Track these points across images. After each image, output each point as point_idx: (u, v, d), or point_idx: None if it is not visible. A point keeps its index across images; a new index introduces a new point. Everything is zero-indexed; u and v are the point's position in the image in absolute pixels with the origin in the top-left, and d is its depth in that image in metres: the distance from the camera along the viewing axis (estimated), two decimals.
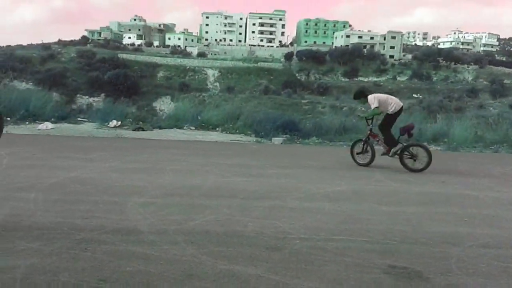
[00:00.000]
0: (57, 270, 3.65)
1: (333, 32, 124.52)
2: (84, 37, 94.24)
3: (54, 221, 5.01)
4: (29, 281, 3.43)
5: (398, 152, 9.79)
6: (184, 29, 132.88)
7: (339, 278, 3.85)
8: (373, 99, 9.72)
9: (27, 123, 16.62)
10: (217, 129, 17.39)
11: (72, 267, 3.75)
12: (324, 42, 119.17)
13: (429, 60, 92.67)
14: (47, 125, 15.81)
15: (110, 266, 3.81)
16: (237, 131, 16.87)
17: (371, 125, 10.08)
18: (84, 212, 5.43)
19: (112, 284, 3.46)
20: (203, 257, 4.11)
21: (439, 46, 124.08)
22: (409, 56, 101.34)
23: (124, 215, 5.42)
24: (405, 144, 9.93)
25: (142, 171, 8.41)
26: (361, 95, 10.12)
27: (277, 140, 15.20)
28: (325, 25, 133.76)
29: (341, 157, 11.28)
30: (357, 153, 10.22)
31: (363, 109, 10.24)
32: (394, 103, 9.77)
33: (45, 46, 46.04)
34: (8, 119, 16.97)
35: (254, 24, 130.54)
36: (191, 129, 17.37)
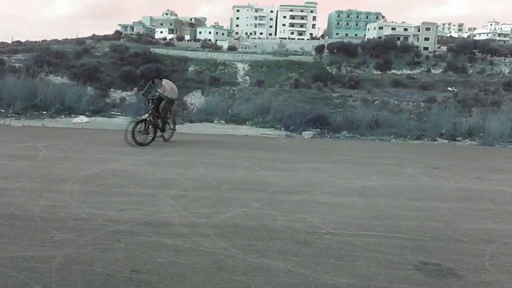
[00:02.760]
0: (91, 261, 3.77)
1: (366, 24, 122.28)
2: (117, 31, 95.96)
3: (89, 212, 5.16)
4: (65, 271, 3.55)
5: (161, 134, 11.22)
6: (215, 23, 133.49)
7: (370, 274, 3.81)
8: (167, 84, 11.08)
9: (62, 116, 17.09)
10: (247, 123, 17.43)
11: (106, 257, 3.85)
12: (356, 34, 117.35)
13: (465, 52, 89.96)
14: (82, 119, 16.22)
15: (142, 257, 3.89)
16: (267, 125, 16.87)
17: (152, 106, 10.80)
18: (118, 204, 5.57)
19: (144, 275, 3.54)
20: (233, 250, 4.15)
21: (475, 38, 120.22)
22: (444, 48, 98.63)
23: (156, 207, 5.53)
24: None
25: (173, 164, 8.54)
26: (160, 81, 11.14)
27: (307, 134, 15.11)
28: (357, 16, 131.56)
29: (372, 152, 11.13)
30: (138, 132, 10.50)
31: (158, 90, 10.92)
32: (176, 91, 11.43)
33: (80, 41, 47.16)
34: (44, 112, 17.51)
35: (284, 17, 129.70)
36: (221, 123, 17.47)
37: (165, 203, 5.73)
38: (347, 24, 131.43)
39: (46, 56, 31.60)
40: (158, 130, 10.97)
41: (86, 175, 7.16)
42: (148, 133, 10.54)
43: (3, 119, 15.76)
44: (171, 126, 11.77)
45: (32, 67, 28.03)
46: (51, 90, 18.93)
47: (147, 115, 10.70)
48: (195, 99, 24.56)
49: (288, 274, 3.70)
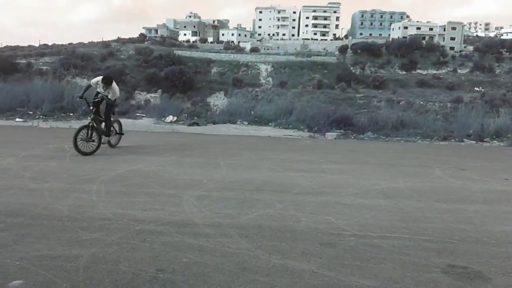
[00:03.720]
0: (117, 260, 3.82)
1: (390, 24, 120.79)
2: (141, 34, 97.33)
3: (115, 212, 5.23)
4: (91, 270, 3.61)
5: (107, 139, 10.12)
6: (238, 25, 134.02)
7: (395, 276, 3.76)
8: (116, 86, 10.06)
9: (89, 118, 17.39)
10: (270, 124, 17.43)
11: (132, 257, 3.90)
12: (380, 34, 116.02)
13: (492, 51, 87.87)
14: None
15: (167, 257, 3.93)
16: (290, 126, 16.83)
17: (93, 109, 9.62)
18: (143, 204, 5.63)
19: (169, 274, 3.57)
20: (256, 251, 4.15)
21: (502, 37, 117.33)
22: (470, 48, 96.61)
23: (180, 207, 5.57)
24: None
25: (197, 165, 8.59)
26: (111, 81, 9.89)
27: (331, 135, 15.01)
28: (381, 16, 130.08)
29: (398, 153, 10.98)
30: (81, 140, 9.22)
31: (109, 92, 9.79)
32: (119, 91, 10.29)
33: (105, 44, 48.07)
34: (71, 114, 17.88)
35: (307, 18, 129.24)
36: (244, 124, 17.52)
37: (189, 204, 5.76)
38: (371, 24, 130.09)
39: (73, 59, 32.27)
40: (103, 136, 9.77)
41: (112, 175, 7.27)
42: (92, 141, 9.35)
43: (31, 120, 16.15)
44: (117, 130, 10.56)
45: (59, 70, 28.64)
46: (78, 92, 19.30)
47: (90, 120, 9.51)
48: (218, 101, 24.71)
49: (312, 275, 3.67)
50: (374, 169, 8.89)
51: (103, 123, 9.87)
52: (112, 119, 10.19)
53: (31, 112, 17.55)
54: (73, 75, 27.82)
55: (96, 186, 6.47)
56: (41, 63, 32.34)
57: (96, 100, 9.66)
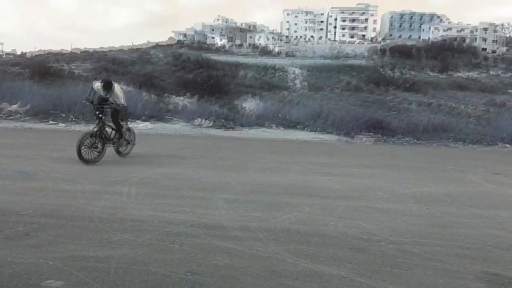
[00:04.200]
0: (148, 261, 3.86)
1: (421, 25, 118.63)
2: (171, 38, 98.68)
3: (145, 213, 5.30)
4: (122, 270, 3.66)
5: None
6: (266, 27, 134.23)
7: (427, 283, 3.67)
8: (120, 90, 9.36)
9: (95, 125, 17.72)
10: (298, 127, 17.37)
11: (162, 258, 3.94)
12: (410, 36, 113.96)
13: None
14: (138, 124, 16.79)
15: (196, 259, 3.95)
16: (318, 129, 16.73)
17: (103, 116, 8.97)
18: (173, 206, 5.69)
19: (198, 276, 3.59)
20: (285, 255, 4.13)
21: None
22: (504, 49, 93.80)
23: (209, 210, 5.60)
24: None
25: (226, 168, 8.63)
26: (111, 84, 9.10)
27: (361, 138, 14.84)
28: (412, 17, 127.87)
29: (429, 156, 10.76)
30: (85, 147, 8.59)
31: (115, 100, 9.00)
32: (124, 96, 9.51)
33: (136, 48, 49.00)
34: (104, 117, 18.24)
35: (336, 19, 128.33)
36: (272, 127, 17.51)
37: (217, 206, 5.79)
38: (401, 25, 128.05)
39: (105, 63, 32.98)
40: (110, 143, 9.17)
41: (142, 177, 7.38)
42: (95, 148, 8.74)
43: (65, 123, 16.59)
44: (129, 139, 9.75)
45: (92, 74, 29.33)
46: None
47: (96, 127, 8.91)
48: (246, 104, 24.77)
49: (341, 280, 3.62)
50: (405, 173, 8.73)
51: (111, 130, 9.25)
52: (124, 127, 9.54)
53: (63, 115, 18.03)
54: None
55: (126, 188, 6.57)
56: (73, 67, 33.20)
57: (100, 105, 8.95)
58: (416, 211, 5.90)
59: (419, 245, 4.55)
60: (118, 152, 9.49)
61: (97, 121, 8.91)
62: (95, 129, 8.80)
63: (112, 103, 8.96)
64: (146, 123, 17.16)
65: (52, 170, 7.68)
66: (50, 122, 16.82)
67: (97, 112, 8.92)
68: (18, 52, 58.93)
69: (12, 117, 17.06)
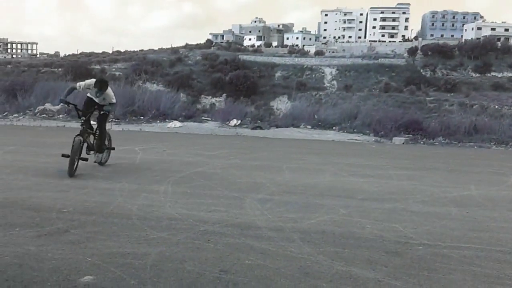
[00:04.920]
0: (183, 259, 3.91)
1: (463, 25, 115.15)
2: (208, 40, 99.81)
3: (181, 212, 5.38)
4: (158, 268, 3.72)
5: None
6: (303, 28, 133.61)
7: None
8: (111, 91, 8.05)
9: (158, 121, 18.10)
10: (334, 128, 17.20)
11: (196, 257, 3.98)
12: (452, 36, 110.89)
13: None
14: (175, 124, 17.07)
15: (230, 258, 3.97)
16: (355, 130, 16.51)
17: (84, 120, 7.69)
18: (207, 205, 5.74)
19: (232, 275, 3.60)
20: (319, 257, 4.09)
21: None
22: None
23: (243, 210, 5.62)
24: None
25: (260, 168, 8.64)
26: (107, 84, 7.94)
27: (399, 139, 14.54)
28: (453, 17, 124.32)
29: (470, 159, 10.41)
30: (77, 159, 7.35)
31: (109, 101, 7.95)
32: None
33: (174, 50, 49.83)
34: (142, 117, 18.66)
35: (375, 19, 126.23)
36: (307, 128, 17.41)
37: (252, 207, 5.80)
38: (443, 25, 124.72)
39: (143, 65, 33.74)
40: (92, 151, 7.95)
41: (178, 177, 7.49)
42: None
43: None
44: (108, 144, 8.54)
45: (131, 75, 30.07)
46: (148, 97, 20.18)
47: (79, 134, 7.52)
48: (281, 104, 24.76)
49: (377, 284, 3.55)
50: (445, 176, 8.49)
51: (94, 137, 8.02)
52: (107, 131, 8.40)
53: None
54: (144, 81, 29.09)
55: (163, 187, 6.69)
56: (114, 69, 34.14)
57: (87, 108, 7.88)
58: (455, 215, 5.72)
59: (458, 250, 4.40)
60: (100, 162, 8.22)
61: (81, 128, 7.57)
62: (78, 136, 7.40)
63: (106, 104, 7.94)
64: (175, 121, 17.41)
65: (92, 169, 7.91)
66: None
67: (83, 118, 7.67)
68: (61, 55, 61.14)
69: (55, 117, 17.68)
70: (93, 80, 7.90)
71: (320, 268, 3.82)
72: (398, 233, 4.89)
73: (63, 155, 7.30)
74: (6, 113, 18.65)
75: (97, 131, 8.07)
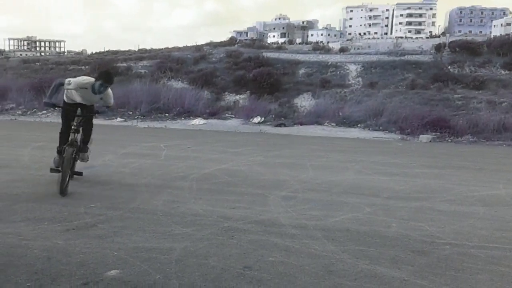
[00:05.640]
0: (207, 254, 3.94)
1: (491, 21, 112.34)
2: (232, 38, 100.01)
3: (205, 208, 5.42)
4: (183, 263, 3.75)
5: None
6: (327, 25, 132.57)
7: None
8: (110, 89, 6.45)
9: (182, 118, 18.28)
10: (359, 125, 17.03)
11: (220, 252, 4.00)
12: (480, 32, 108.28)
13: None
14: (199, 121, 17.21)
15: (254, 255, 3.98)
16: (380, 127, 16.32)
17: (79, 121, 6.17)
18: (231, 202, 5.77)
19: (255, 272, 3.61)
20: (343, 255, 4.06)
21: None
22: None
23: (267, 207, 5.62)
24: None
25: (284, 165, 8.63)
26: (112, 79, 6.29)
27: (425, 137, 14.30)
28: (481, 13, 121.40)
29: (499, 158, 10.17)
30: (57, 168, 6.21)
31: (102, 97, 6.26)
32: None
33: (198, 48, 50.11)
34: (166, 114, 18.86)
35: (401, 15, 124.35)
36: (331, 125, 17.30)
37: (275, 204, 5.80)
38: (470, 20, 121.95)
39: (168, 62, 34.00)
40: (81, 153, 6.47)
41: (202, 173, 7.54)
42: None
43: (130, 120, 17.31)
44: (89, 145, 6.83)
45: (156, 73, 30.39)
46: (172, 94, 20.39)
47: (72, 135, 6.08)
48: (305, 102, 24.61)
49: (402, 283, 3.51)
50: (473, 175, 8.31)
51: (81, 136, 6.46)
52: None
53: (130, 113, 18.82)
54: (169, 78, 29.36)
55: (188, 183, 6.75)
56: (139, 67, 34.54)
57: (71, 111, 6.23)
58: (483, 215, 5.60)
59: (485, 250, 4.31)
60: (83, 159, 6.61)
61: (72, 136, 6.05)
62: (72, 148, 5.96)
63: (97, 105, 6.58)
64: (198, 118, 17.55)
65: (118, 165, 8.04)
66: (118, 119, 17.62)
67: (76, 122, 6.10)
68: (88, 52, 62.31)
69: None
70: (90, 78, 6.25)
71: (344, 267, 3.79)
72: (424, 232, 4.81)
73: (52, 170, 6.06)
74: (34, 109, 19.15)
75: (83, 131, 6.39)
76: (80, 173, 6.40)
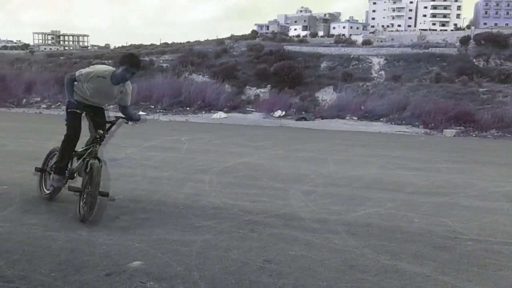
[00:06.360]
0: (227, 247, 3.97)
1: None
2: (253, 31, 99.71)
3: (226, 202, 5.45)
4: (204, 255, 3.79)
5: None
6: (350, 17, 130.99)
7: None
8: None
9: (203, 112, 18.39)
10: (381, 119, 16.84)
11: (241, 246, 4.03)
12: (507, 24, 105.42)
13: None
14: (220, 115, 17.28)
15: (274, 249, 3.99)
16: (403, 122, 16.11)
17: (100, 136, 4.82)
18: (252, 195, 5.79)
19: (276, 265, 3.62)
20: (364, 250, 4.03)
21: None
22: None
23: (287, 201, 5.62)
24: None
25: (305, 159, 8.60)
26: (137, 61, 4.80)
27: (449, 132, 14.06)
28: (508, 5, 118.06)
29: None
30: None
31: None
32: None
33: (219, 41, 50.19)
34: (188, 108, 18.99)
35: (425, 7, 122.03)
36: (353, 119, 17.15)
37: (296, 198, 5.80)
38: (496, 13, 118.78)
39: (190, 56, 34.16)
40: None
41: (223, 167, 7.59)
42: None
43: (153, 114, 17.48)
44: None
45: (178, 67, 30.58)
46: (194, 88, 20.52)
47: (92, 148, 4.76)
48: (327, 95, 24.44)
49: (425, 279, 3.47)
50: (498, 170, 8.14)
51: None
52: None
53: (152, 106, 19.03)
54: (190, 72, 29.52)
55: (209, 177, 6.79)
56: (161, 61, 34.82)
57: (94, 115, 4.95)
58: (507, 210, 5.49)
59: (509, 246, 4.23)
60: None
61: (96, 148, 4.73)
62: (99, 163, 4.64)
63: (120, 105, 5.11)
64: (219, 112, 17.63)
65: (141, 158, 8.14)
66: (141, 112, 17.82)
67: (100, 131, 4.80)
68: (112, 47, 63.06)
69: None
70: (109, 67, 4.93)
71: (365, 262, 3.77)
72: (447, 227, 4.75)
73: (71, 189, 4.64)
74: (59, 103, 19.53)
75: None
76: (106, 195, 4.64)
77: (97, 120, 4.89)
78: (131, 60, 4.68)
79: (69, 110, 4.86)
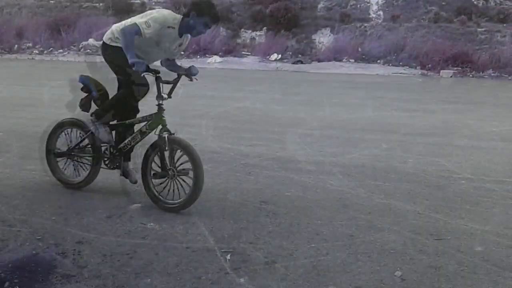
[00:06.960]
0: (225, 190, 4.05)
1: None
2: None
3: (222, 146, 5.50)
4: (202, 198, 3.81)
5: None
6: None
7: (508, 222, 3.50)
8: None
9: (198, 56, 18.09)
10: (379, 61, 16.64)
11: (238, 188, 4.10)
12: None
13: None
14: (216, 59, 17.02)
15: (270, 190, 4.07)
16: (400, 63, 15.93)
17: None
18: (248, 139, 5.83)
19: (272, 206, 3.71)
20: (359, 190, 4.12)
21: None
22: None
23: (283, 144, 5.67)
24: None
25: (301, 103, 8.58)
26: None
27: (446, 73, 13.96)
28: None
29: None
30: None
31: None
32: None
33: None
34: (182, 53, 18.68)
35: None
36: (350, 61, 16.94)
37: (292, 141, 5.84)
38: None
39: None
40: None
41: (219, 112, 7.58)
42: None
43: None
44: None
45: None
46: None
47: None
48: (323, 38, 23.97)
49: (417, 216, 3.57)
50: (494, 110, 8.16)
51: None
52: None
53: None
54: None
55: (205, 122, 6.80)
56: (153, 3, 33.82)
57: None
58: (501, 150, 5.56)
59: (502, 184, 4.33)
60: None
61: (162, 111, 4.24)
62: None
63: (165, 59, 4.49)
64: (214, 56, 17.34)
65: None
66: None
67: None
68: None
69: (98, 53, 17.97)
70: (174, 14, 3.84)
71: (360, 201, 3.86)
72: (441, 167, 4.83)
73: (157, 176, 3.68)
74: (51, 49, 19.12)
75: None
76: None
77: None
78: (214, 12, 3.82)
79: (134, 73, 3.89)
